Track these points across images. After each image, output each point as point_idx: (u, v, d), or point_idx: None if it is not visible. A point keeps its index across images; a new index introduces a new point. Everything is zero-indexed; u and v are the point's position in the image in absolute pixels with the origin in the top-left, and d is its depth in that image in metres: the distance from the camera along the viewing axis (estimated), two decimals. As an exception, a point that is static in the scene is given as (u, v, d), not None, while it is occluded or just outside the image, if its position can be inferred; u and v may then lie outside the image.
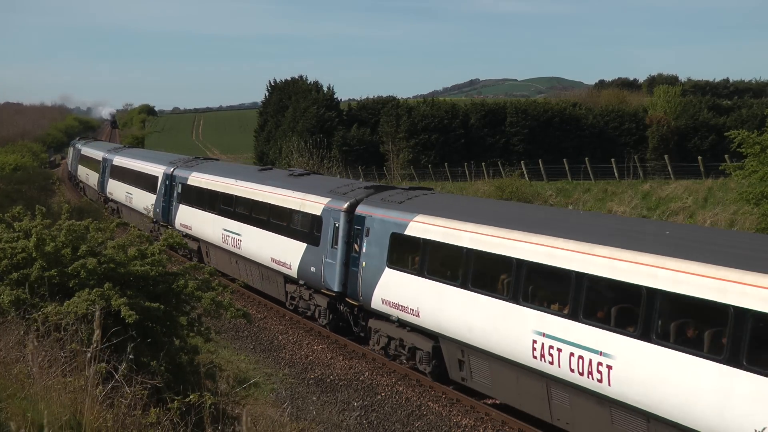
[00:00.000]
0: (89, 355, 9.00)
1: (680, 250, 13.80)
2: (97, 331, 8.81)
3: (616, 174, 50.42)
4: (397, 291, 20.35)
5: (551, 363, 15.30)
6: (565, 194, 48.64)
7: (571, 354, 14.84)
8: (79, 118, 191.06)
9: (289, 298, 26.41)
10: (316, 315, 25.05)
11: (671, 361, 13.11)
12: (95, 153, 56.76)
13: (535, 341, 15.68)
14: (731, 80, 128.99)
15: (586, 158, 53.32)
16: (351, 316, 23.43)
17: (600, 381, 14.30)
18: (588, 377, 14.57)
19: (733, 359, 12.12)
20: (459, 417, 18.20)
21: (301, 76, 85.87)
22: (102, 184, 50.56)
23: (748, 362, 11.94)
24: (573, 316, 14.98)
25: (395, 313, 20.45)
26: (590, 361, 14.48)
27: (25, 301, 11.56)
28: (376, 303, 21.22)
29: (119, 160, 47.35)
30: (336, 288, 22.96)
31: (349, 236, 22.63)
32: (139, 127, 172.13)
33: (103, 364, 9.31)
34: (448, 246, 18.66)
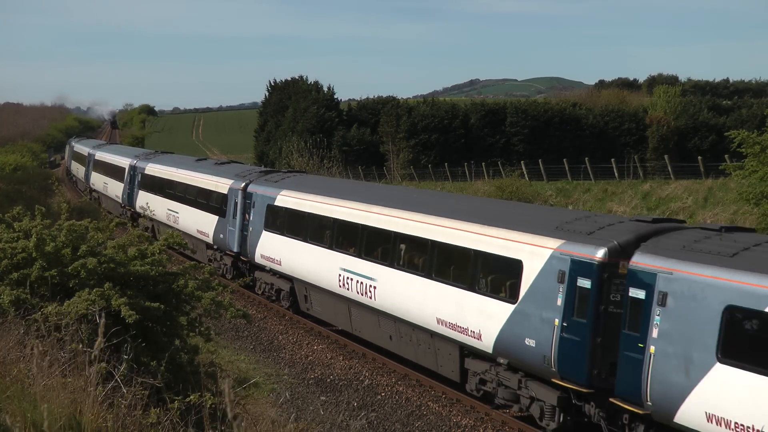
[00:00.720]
0: (94, 354, 8.99)
1: (423, 207, 20.42)
2: (100, 339, 8.80)
3: (616, 174, 50.43)
4: (270, 248, 26.96)
5: (348, 289, 22.39)
6: (565, 194, 48.66)
7: (358, 281, 21.87)
8: (78, 118, 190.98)
9: (207, 260, 31.52)
10: (224, 272, 30.51)
11: (405, 280, 19.98)
12: (83, 149, 67.71)
13: (340, 275, 22.67)
14: (731, 80, 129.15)
15: (586, 158, 53.35)
16: (246, 270, 29.32)
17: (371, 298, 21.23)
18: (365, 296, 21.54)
19: (427, 274, 19.51)
20: (459, 417, 18.20)
21: (301, 76, 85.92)
22: (86, 175, 61.77)
23: (434, 275, 19.21)
24: (358, 255, 22.17)
25: (269, 264, 27.13)
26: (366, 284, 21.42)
27: (25, 301, 11.56)
28: (258, 258, 27.73)
29: (100, 155, 57.61)
30: (235, 249, 29.29)
31: (244, 209, 28.80)
32: (139, 127, 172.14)
33: (103, 364, 9.30)
34: (296, 211, 25.73)
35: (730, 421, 12.46)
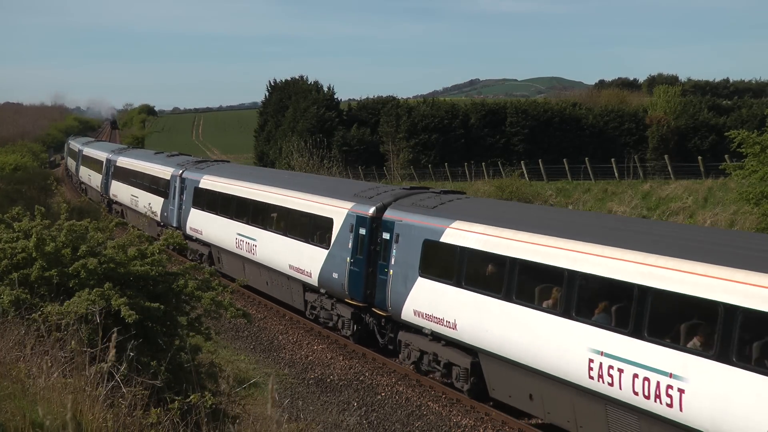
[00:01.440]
0: (91, 355, 8.98)
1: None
2: (108, 349, 8.81)
3: (616, 174, 50.41)
4: (196, 221, 33.37)
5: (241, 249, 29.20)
6: (565, 194, 48.64)
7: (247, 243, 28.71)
8: (78, 118, 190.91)
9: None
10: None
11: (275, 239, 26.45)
12: (75, 146, 72.77)
13: (236, 238, 29.53)
14: (731, 80, 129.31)
15: (586, 158, 53.32)
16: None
17: None
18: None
19: (284, 232, 26.28)
20: (459, 417, 18.19)
21: (301, 76, 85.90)
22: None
23: (288, 233, 25.91)
24: (247, 222, 28.85)
25: (195, 234, 33.34)
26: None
27: (25, 301, 11.56)
28: (188, 230, 33.77)
29: (87, 151, 61.48)
30: (174, 224, 35.10)
31: (181, 192, 34.96)
32: (139, 127, 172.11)
33: (104, 364, 9.31)
34: (212, 191, 32.41)
35: (422, 312, 19.54)
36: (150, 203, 38.44)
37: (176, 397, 9.53)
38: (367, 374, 21.16)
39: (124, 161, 46.66)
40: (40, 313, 10.97)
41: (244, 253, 28.34)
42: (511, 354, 16.42)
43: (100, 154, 54.28)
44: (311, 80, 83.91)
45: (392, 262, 20.60)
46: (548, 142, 69.85)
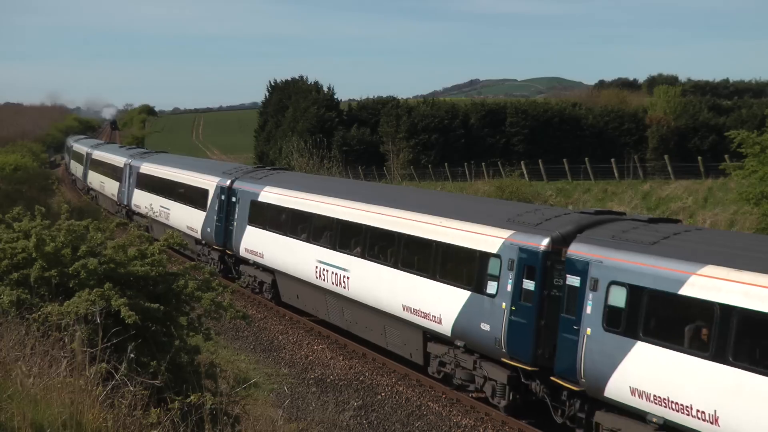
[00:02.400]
0: (91, 355, 8.99)
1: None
2: (108, 350, 8.81)
3: (616, 174, 50.39)
4: (254, 242, 28.46)
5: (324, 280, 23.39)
6: (565, 194, 48.64)
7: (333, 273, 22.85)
8: (79, 119, 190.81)
9: (197, 255, 31.95)
10: (213, 264, 30.74)
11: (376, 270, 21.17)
12: (81, 148, 70.74)
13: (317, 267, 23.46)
14: (731, 80, 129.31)
15: (586, 158, 53.29)
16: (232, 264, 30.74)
17: None
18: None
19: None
20: (459, 417, 18.20)
21: (301, 76, 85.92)
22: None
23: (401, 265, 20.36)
24: (333, 247, 23.06)
25: (252, 257, 28.42)
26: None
27: (25, 301, 11.56)
28: (242, 251, 29.08)
29: (98, 155, 59.90)
30: (220, 243, 30.72)
31: (228, 205, 30.15)
32: (139, 127, 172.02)
33: (104, 364, 9.31)
34: (278, 207, 26.97)
35: (647, 392, 13.99)
36: (186, 217, 34.51)
37: (176, 398, 9.53)
38: (367, 374, 21.16)
39: (150, 168, 42.09)
40: (40, 313, 10.97)
41: (328, 285, 23.15)
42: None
43: (117, 159, 49.71)
44: (311, 80, 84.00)
45: (587, 315, 14.98)
46: (548, 142, 69.86)
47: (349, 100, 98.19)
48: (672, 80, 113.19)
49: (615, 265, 14.60)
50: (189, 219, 33.89)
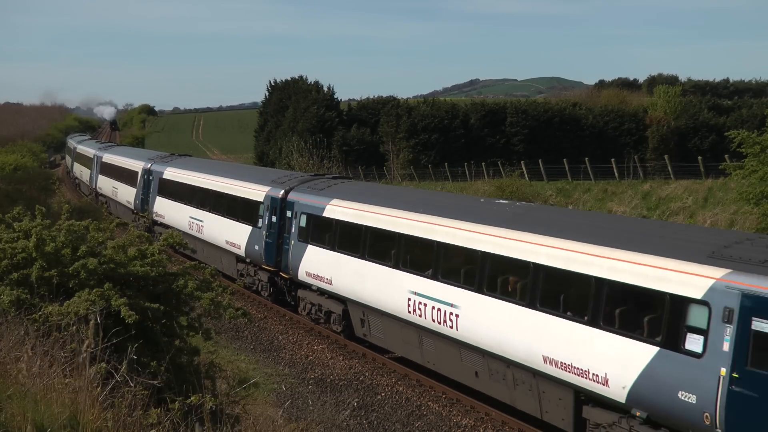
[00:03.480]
0: (91, 355, 8.99)
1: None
2: (90, 339, 8.81)
3: (616, 174, 50.43)
4: (318, 264, 25.39)
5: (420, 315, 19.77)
6: (565, 194, 48.66)
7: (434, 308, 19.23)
8: (79, 119, 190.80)
9: (239, 274, 29.66)
10: (262, 287, 28.32)
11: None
12: (87, 150, 67.67)
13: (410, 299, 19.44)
14: (731, 80, 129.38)
15: (586, 158, 53.34)
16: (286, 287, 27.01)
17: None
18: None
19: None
20: (459, 417, 18.20)
21: (301, 76, 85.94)
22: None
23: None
24: (434, 277, 19.01)
25: (315, 282, 24.39)
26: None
27: (25, 301, 11.56)
28: (300, 276, 25.18)
29: (109, 158, 55.72)
30: (271, 263, 26.59)
31: (281, 219, 26.17)
32: (139, 127, 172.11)
33: (104, 365, 9.31)
34: (351, 224, 22.46)
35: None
36: (225, 231, 30.09)
37: (176, 398, 9.53)
38: (367, 374, 21.16)
39: (177, 174, 37.30)
40: (40, 313, 10.97)
41: (427, 322, 18.95)
42: None
43: (133, 163, 45.11)
44: (311, 80, 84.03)
45: None
46: (548, 142, 69.89)
47: (349, 100, 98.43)
48: (672, 80, 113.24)
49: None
50: (229, 233, 29.21)
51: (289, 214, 25.49)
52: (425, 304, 18.83)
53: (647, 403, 13.59)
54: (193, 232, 32.57)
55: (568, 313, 15.18)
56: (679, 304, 13.10)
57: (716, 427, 12.46)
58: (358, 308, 22.20)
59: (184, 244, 14.63)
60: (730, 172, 31.33)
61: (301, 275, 24.58)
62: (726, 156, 35.38)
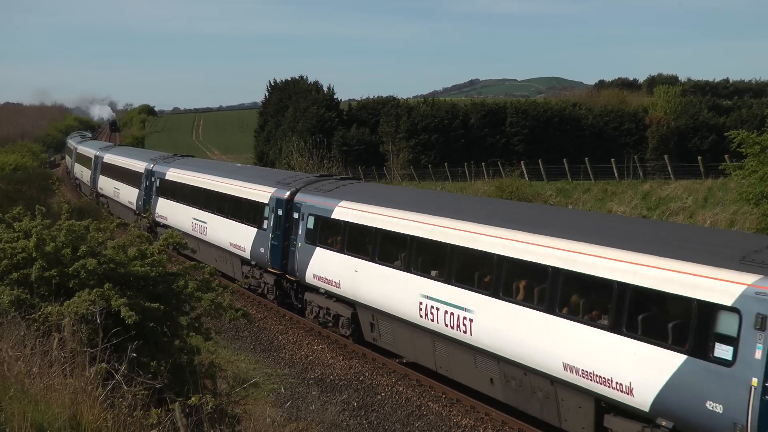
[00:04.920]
0: (91, 355, 8.99)
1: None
2: (108, 349, 8.80)
3: (616, 174, 50.42)
4: (326, 267, 24.86)
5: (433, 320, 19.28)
6: (565, 194, 48.65)
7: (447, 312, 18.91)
8: (79, 119, 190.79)
9: (243, 276, 29.47)
10: (267, 290, 28.21)
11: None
12: (88, 151, 66.75)
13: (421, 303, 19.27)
14: (731, 80, 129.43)
15: (586, 158, 53.32)
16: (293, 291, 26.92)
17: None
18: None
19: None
20: (459, 417, 18.20)
21: (301, 76, 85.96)
22: (93, 178, 59.55)
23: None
24: (447, 280, 18.61)
25: (323, 285, 24.17)
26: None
27: (25, 301, 11.56)
28: (308, 280, 24.83)
29: (110, 158, 55.57)
30: (276, 266, 26.50)
31: (286, 221, 25.97)
32: (139, 127, 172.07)
33: (104, 365, 9.31)
34: (361, 226, 22.26)
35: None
36: (230, 232, 30.00)
37: (177, 398, 9.53)
38: (367, 374, 21.16)
39: (179, 174, 37.08)
40: (40, 313, 10.97)
41: (439, 327, 18.67)
42: None
43: (135, 164, 45.11)
44: (311, 80, 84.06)
45: None
46: (548, 142, 69.90)
47: (349, 100, 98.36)
48: (672, 80, 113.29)
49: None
50: (234, 235, 29.03)
51: (296, 215, 25.21)
52: (437, 308, 18.53)
53: (673, 412, 13.24)
54: (197, 234, 32.34)
55: (590, 319, 14.81)
56: (709, 310, 12.72)
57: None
58: (368, 312, 21.80)
59: (183, 244, 14.62)
60: (730, 173, 31.31)
61: (309, 278, 24.23)
62: (726, 156, 35.37)
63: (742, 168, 28.81)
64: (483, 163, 60.87)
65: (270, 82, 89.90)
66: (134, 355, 10.16)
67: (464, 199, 27.55)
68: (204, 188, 33.10)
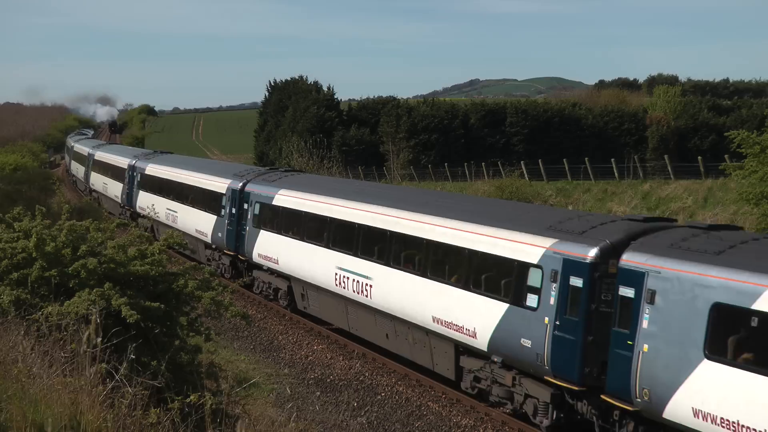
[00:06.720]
0: (91, 355, 8.99)
1: None
2: (108, 349, 8.82)
3: (616, 174, 50.42)
4: (268, 246, 27.60)
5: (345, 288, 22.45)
6: (565, 194, 48.67)
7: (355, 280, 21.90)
8: (79, 119, 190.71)
9: (207, 259, 31.83)
10: (224, 269, 30.58)
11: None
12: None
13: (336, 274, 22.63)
14: (731, 80, 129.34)
15: (586, 158, 53.33)
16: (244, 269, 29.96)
17: None
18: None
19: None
20: (459, 417, 18.20)
21: (301, 76, 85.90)
22: (86, 176, 62.64)
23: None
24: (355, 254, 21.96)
25: (266, 263, 27.63)
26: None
27: (25, 301, 11.56)
28: (255, 257, 28.36)
29: (101, 155, 58.08)
30: (232, 248, 29.58)
31: (240, 208, 29.15)
32: (139, 127, 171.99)
33: (104, 365, 9.30)
34: (295, 211, 25.64)
35: (716, 416, 12.63)
36: (195, 220, 33.37)
37: (176, 398, 9.53)
38: (367, 374, 21.16)
39: (156, 169, 40.89)
40: (40, 313, 10.97)
41: (349, 293, 22.15)
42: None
43: (120, 160, 48.47)
44: (311, 80, 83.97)
45: (643, 332, 13.85)
46: (548, 142, 69.94)
47: (349, 100, 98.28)
48: (672, 80, 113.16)
49: (678, 276, 13.41)
50: (198, 223, 32.58)
51: (245, 204, 28.62)
52: (348, 278, 22.07)
53: (501, 349, 16.91)
54: (170, 223, 35.95)
55: (450, 280, 18.44)
56: (523, 268, 16.39)
57: (545, 365, 15.64)
58: (299, 284, 25.46)
59: (184, 244, 14.68)
60: (730, 173, 31.31)
61: (255, 257, 27.67)
62: (726, 156, 35.38)
63: (742, 168, 28.81)
64: (483, 163, 60.86)
65: (270, 82, 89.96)
66: (133, 357, 10.14)
67: (375, 187, 33.91)
68: (175, 181, 37.01)
